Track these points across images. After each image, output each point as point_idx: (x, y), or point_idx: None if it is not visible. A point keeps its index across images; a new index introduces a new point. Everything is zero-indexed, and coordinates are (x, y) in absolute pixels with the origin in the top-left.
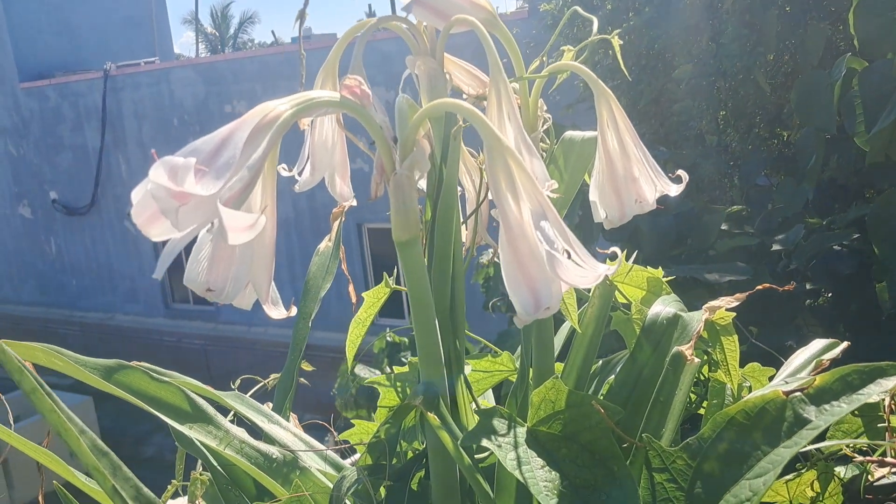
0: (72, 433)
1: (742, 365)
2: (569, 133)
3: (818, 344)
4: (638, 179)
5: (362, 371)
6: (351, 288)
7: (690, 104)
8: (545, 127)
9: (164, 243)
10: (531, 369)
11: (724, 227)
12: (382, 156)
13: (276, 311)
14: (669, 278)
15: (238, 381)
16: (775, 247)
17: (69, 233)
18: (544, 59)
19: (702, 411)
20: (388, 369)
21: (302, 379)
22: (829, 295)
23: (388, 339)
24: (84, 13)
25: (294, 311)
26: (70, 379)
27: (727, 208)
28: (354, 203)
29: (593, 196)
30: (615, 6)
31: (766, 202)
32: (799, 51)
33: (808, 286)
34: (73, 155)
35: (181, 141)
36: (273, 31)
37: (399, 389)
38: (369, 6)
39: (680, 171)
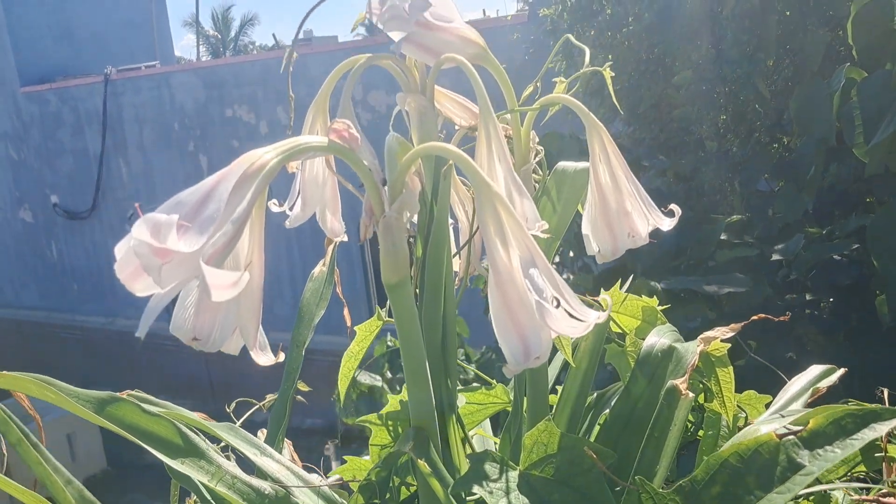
0: (57, 485)
1: (739, 383)
2: (561, 164)
3: (815, 370)
4: (630, 213)
5: (363, 377)
6: (346, 312)
7: (690, 110)
8: (538, 159)
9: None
10: (525, 401)
11: (723, 236)
12: (371, 198)
13: (264, 358)
14: (664, 307)
15: (233, 405)
16: (775, 256)
17: (70, 237)
18: (538, 84)
19: (700, 434)
20: (388, 374)
21: (302, 385)
22: (830, 305)
23: (388, 344)
24: (84, 17)
25: (282, 356)
26: (72, 383)
27: (726, 218)
28: (345, 238)
29: (586, 230)
30: (615, 11)
31: (767, 208)
32: (799, 57)
33: (807, 296)
34: (73, 159)
35: (182, 145)
36: (274, 35)
37: (391, 428)
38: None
39: (672, 206)
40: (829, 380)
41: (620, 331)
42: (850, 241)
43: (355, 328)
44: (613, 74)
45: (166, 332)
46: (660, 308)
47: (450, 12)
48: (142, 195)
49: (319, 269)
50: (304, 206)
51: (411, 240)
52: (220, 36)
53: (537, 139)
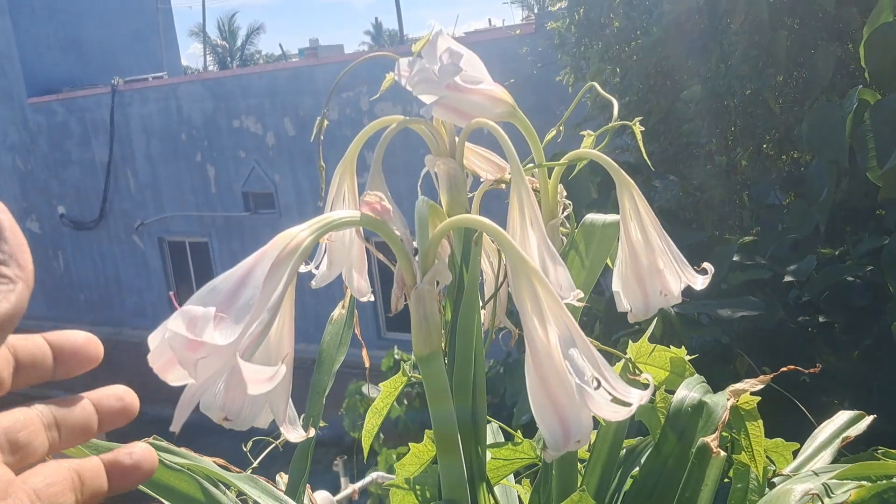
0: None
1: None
2: (589, 217)
3: (843, 416)
4: (663, 271)
5: (371, 390)
6: (364, 353)
7: (699, 124)
8: (566, 213)
9: (173, 259)
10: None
11: (735, 257)
12: (403, 269)
13: (295, 433)
14: (692, 356)
15: (249, 444)
16: (788, 277)
17: (77, 248)
18: (561, 128)
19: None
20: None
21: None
22: (843, 325)
23: (395, 356)
24: (92, 28)
25: (312, 432)
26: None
27: (738, 238)
28: (372, 298)
29: (616, 286)
30: (623, 25)
31: (777, 222)
32: (809, 72)
33: (820, 318)
34: (80, 170)
35: (190, 155)
36: (280, 45)
37: (418, 493)
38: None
39: (706, 264)
40: (857, 427)
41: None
42: (863, 262)
43: (381, 385)
44: (643, 129)
45: None
46: (688, 358)
47: (479, 72)
48: (149, 205)
49: (339, 311)
50: (331, 266)
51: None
52: (226, 45)
53: (565, 192)
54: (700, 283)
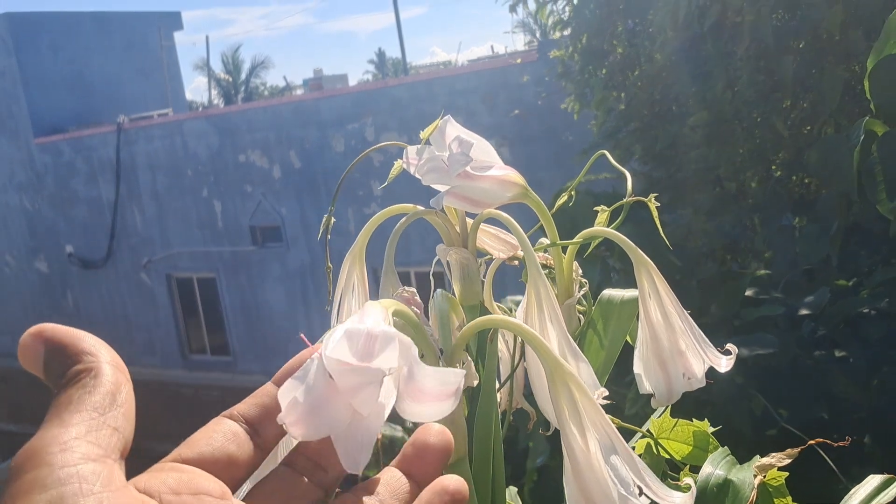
0: None
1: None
2: (606, 293)
3: (874, 481)
4: (685, 353)
5: (384, 427)
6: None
7: (707, 151)
8: (582, 291)
9: (181, 296)
10: None
11: (748, 292)
12: None
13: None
14: (716, 428)
15: None
16: (802, 310)
17: (85, 286)
18: (572, 192)
19: None
20: (409, 423)
21: None
22: (862, 358)
23: None
24: (97, 66)
25: None
26: None
27: (751, 273)
28: None
29: (637, 369)
30: (627, 52)
31: (791, 246)
32: (817, 95)
33: (836, 353)
34: (87, 208)
35: (196, 191)
36: (285, 77)
37: None
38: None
39: (729, 345)
40: (888, 493)
41: (670, 457)
42: (878, 293)
43: None
44: (658, 205)
45: (184, 380)
46: (711, 431)
47: (489, 156)
48: (156, 242)
49: None
50: None
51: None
52: (231, 79)
53: (580, 270)
54: (724, 364)
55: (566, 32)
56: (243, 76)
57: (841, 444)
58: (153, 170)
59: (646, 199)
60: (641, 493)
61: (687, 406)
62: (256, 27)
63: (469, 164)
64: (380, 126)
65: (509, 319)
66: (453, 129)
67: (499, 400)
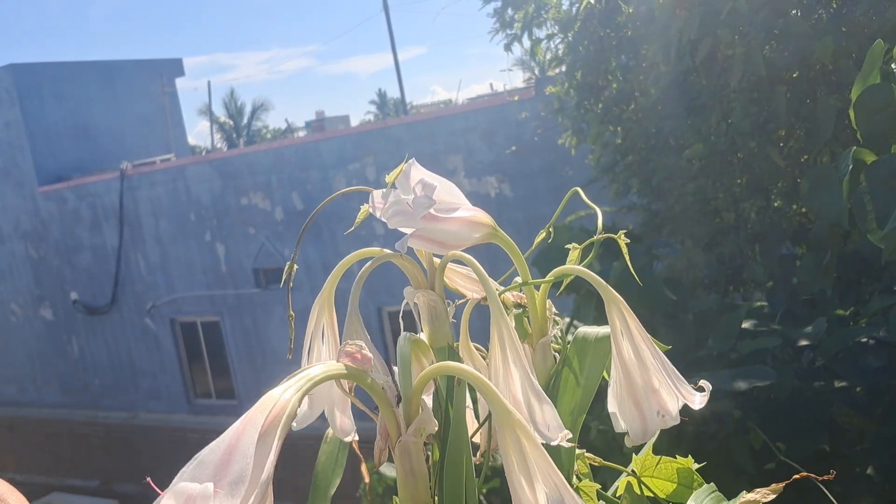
0: None
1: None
2: (582, 331)
3: None
4: (659, 391)
5: (386, 468)
6: (363, 468)
7: (704, 182)
8: (556, 330)
9: (186, 340)
10: None
11: (745, 324)
12: (386, 420)
13: None
14: (699, 465)
15: None
16: (801, 342)
17: (90, 332)
18: (550, 230)
19: None
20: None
21: None
22: (862, 387)
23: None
24: (100, 114)
25: None
26: (96, 480)
27: (748, 305)
28: (356, 438)
29: (612, 407)
30: (621, 87)
31: (791, 274)
32: (811, 124)
33: (836, 383)
34: (92, 255)
35: (199, 235)
36: (286, 119)
37: None
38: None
39: (703, 382)
40: None
41: (654, 495)
42: (875, 322)
43: None
44: (628, 241)
45: (189, 425)
46: (695, 468)
47: (455, 198)
48: (160, 287)
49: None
50: (312, 406)
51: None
52: (233, 123)
53: (553, 308)
54: (698, 401)
55: (562, 69)
56: (245, 120)
57: (826, 477)
58: (156, 215)
59: (615, 236)
60: None
61: (688, 441)
62: (258, 71)
63: (433, 207)
64: (381, 166)
65: (460, 366)
66: (417, 173)
67: (479, 441)
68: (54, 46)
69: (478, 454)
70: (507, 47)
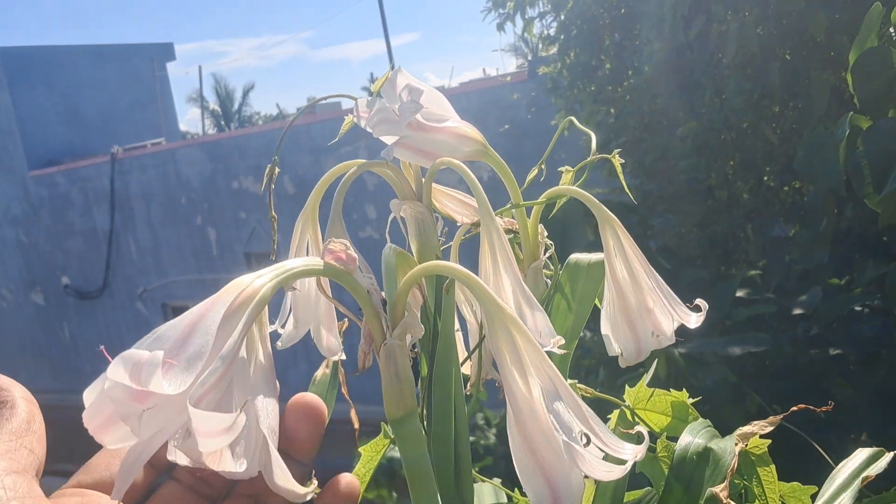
0: None
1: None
2: (574, 257)
3: (862, 454)
4: (653, 310)
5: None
6: (353, 413)
7: (697, 160)
8: (548, 254)
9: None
10: None
11: (739, 293)
12: (370, 324)
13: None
14: (695, 399)
15: None
16: (795, 310)
17: (82, 317)
18: (542, 167)
19: None
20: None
21: None
22: (856, 356)
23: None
24: (90, 99)
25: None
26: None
27: (741, 274)
28: (343, 357)
29: (605, 330)
30: (614, 66)
31: (784, 254)
32: (805, 101)
33: (831, 351)
34: (83, 239)
35: (190, 219)
36: (277, 104)
37: None
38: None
39: (699, 301)
40: (877, 465)
41: (648, 428)
42: (870, 290)
43: (360, 449)
44: (623, 161)
45: None
46: (690, 401)
47: (443, 110)
48: (151, 271)
49: (322, 371)
50: (297, 325)
51: (415, 357)
52: (221, 110)
53: (546, 233)
54: (693, 321)
55: (554, 49)
56: (236, 106)
57: (824, 408)
58: (147, 199)
59: (609, 157)
60: (589, 441)
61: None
62: (249, 57)
63: (420, 112)
64: (373, 149)
65: (448, 264)
66: (403, 78)
67: (470, 370)
68: (44, 30)
69: (468, 385)
70: (500, 27)
